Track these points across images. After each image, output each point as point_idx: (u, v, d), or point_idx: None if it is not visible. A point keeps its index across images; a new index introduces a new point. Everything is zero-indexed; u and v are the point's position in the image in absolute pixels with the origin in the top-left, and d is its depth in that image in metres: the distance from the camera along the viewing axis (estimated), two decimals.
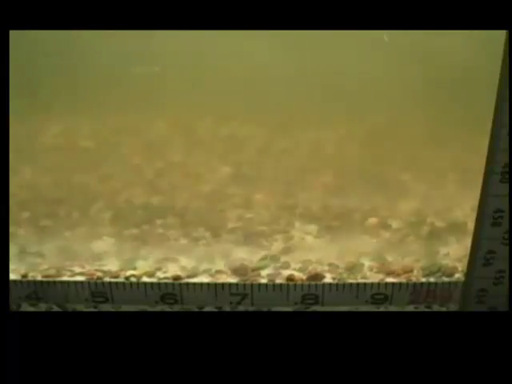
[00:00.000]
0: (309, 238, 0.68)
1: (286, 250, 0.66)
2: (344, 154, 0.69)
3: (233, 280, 0.62)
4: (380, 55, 0.58)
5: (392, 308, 0.60)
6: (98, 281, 0.61)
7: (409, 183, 0.69)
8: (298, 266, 0.64)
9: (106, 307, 0.61)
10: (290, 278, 0.62)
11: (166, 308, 0.61)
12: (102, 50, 0.59)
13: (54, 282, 0.61)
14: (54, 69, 0.61)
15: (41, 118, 0.67)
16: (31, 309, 0.62)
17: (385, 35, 0.56)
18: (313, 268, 0.64)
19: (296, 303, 0.60)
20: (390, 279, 0.62)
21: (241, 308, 0.61)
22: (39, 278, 0.63)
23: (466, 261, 0.57)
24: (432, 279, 0.62)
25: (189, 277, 0.63)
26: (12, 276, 0.62)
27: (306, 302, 0.60)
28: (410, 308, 0.61)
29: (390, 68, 0.59)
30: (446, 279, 0.62)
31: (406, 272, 0.63)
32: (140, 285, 0.60)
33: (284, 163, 0.67)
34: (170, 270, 0.64)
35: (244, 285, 0.60)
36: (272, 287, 0.60)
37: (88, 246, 0.67)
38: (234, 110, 0.65)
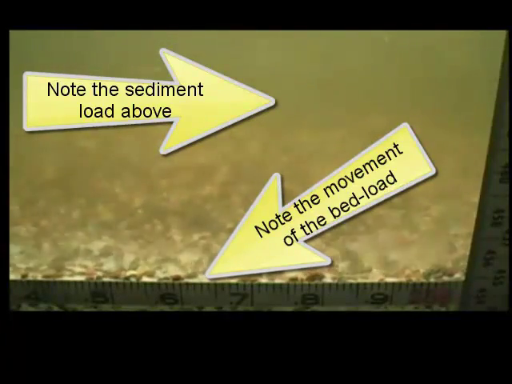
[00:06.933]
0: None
1: None
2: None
3: (233, 280, 0.62)
4: (380, 55, 0.58)
5: (392, 308, 0.60)
6: (98, 281, 0.61)
7: None
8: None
9: (106, 307, 0.61)
10: (290, 278, 0.62)
11: (166, 308, 0.61)
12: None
13: (54, 282, 0.61)
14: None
15: None
16: (31, 309, 0.62)
17: (385, 35, 0.56)
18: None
19: (296, 303, 0.60)
20: (390, 279, 0.62)
21: (241, 308, 0.61)
22: (39, 277, 0.63)
23: (466, 261, 0.57)
24: (432, 279, 0.62)
25: (189, 277, 0.63)
26: (12, 276, 0.62)
27: (306, 301, 0.60)
28: (410, 308, 0.61)
29: (389, 68, 0.59)
30: (446, 279, 0.62)
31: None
32: (140, 285, 0.60)
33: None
34: (170, 270, 0.64)
35: (244, 285, 0.60)
36: (272, 287, 0.60)
37: (88, 245, 0.67)
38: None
